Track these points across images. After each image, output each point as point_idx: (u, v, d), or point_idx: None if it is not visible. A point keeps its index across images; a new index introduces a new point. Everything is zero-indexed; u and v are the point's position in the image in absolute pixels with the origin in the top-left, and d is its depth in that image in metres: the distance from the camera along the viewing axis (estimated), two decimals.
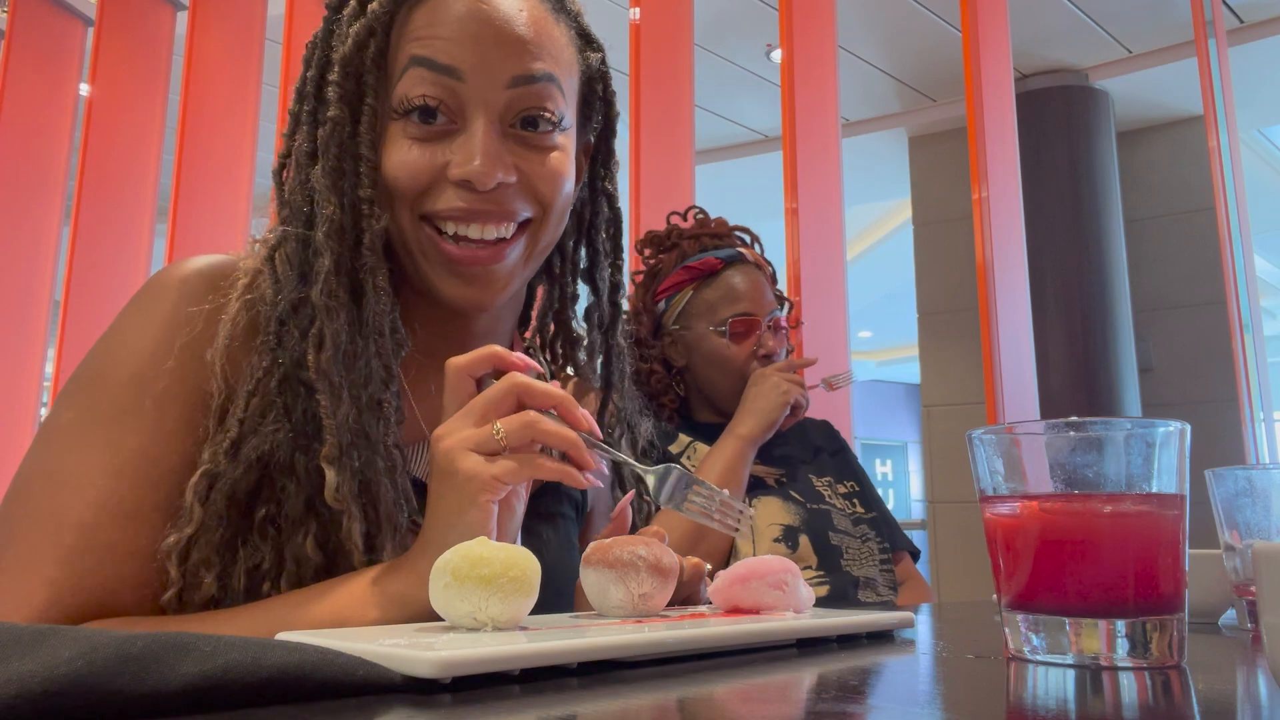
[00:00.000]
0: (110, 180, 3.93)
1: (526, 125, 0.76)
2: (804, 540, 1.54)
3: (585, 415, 0.68)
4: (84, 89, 4.05)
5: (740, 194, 5.87)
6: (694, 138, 3.28)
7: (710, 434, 1.66)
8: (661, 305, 1.70)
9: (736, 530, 0.75)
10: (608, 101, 0.87)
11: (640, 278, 1.76)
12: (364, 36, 0.74)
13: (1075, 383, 4.40)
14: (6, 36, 4.00)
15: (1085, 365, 4.44)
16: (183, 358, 0.72)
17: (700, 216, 1.77)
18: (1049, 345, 4.26)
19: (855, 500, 1.69)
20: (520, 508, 0.69)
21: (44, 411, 3.85)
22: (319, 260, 0.72)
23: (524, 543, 0.86)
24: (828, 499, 1.65)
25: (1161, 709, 0.46)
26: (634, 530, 0.86)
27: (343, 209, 0.73)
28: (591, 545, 0.68)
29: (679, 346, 1.68)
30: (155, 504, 0.69)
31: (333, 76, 0.74)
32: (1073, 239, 4.54)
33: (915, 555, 1.73)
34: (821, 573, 1.52)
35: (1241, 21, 4.30)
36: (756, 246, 1.73)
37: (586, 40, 0.83)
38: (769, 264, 1.73)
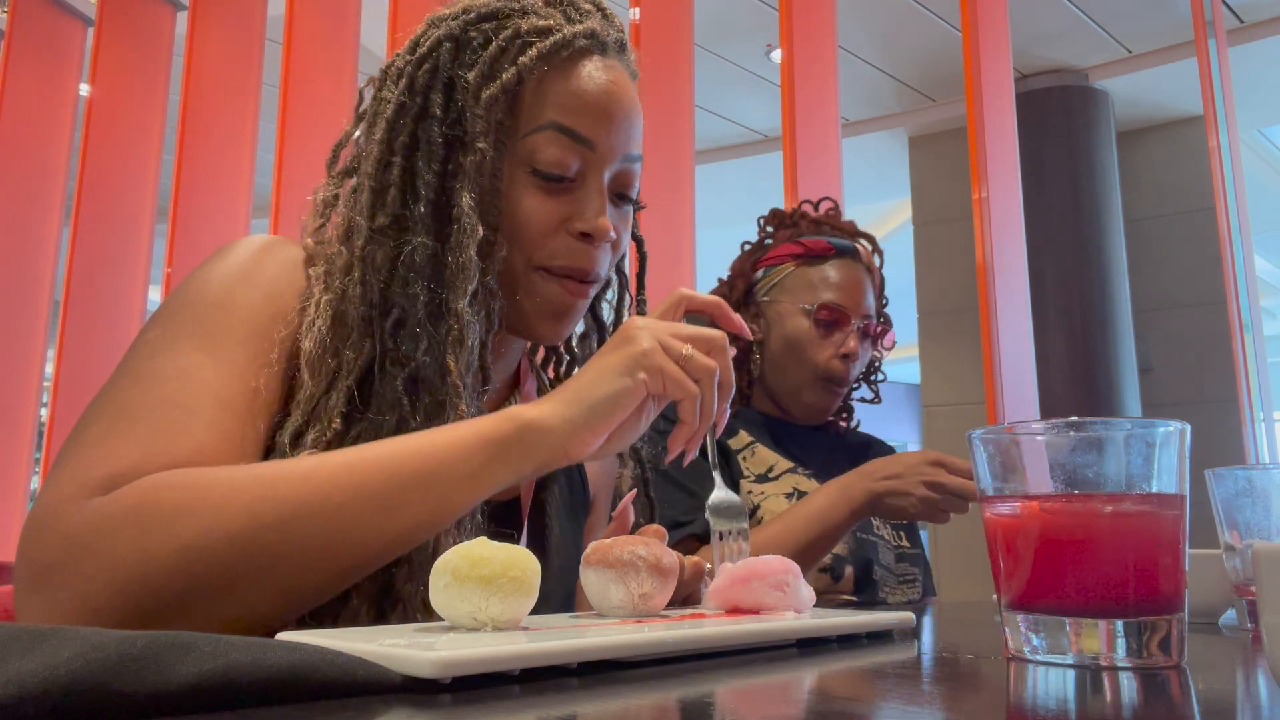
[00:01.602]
0: (110, 180, 3.93)
1: (621, 197, 0.88)
2: (848, 571, 1.47)
3: (720, 411, 0.78)
4: (84, 89, 4.05)
5: (740, 194, 5.87)
6: (694, 138, 3.28)
7: (766, 429, 1.59)
8: (759, 274, 1.62)
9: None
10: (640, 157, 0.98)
11: (748, 247, 1.69)
12: (512, 84, 0.80)
13: (1075, 383, 4.40)
14: (6, 36, 4.00)
15: (1085, 365, 4.44)
16: (275, 322, 0.74)
17: (832, 209, 1.69)
18: (1049, 345, 4.25)
19: (902, 534, 1.62)
20: (643, 427, 0.77)
21: (44, 412, 3.85)
22: (464, 275, 0.78)
23: (530, 527, 0.88)
24: (876, 529, 1.56)
25: (1161, 709, 0.46)
26: (634, 530, 0.87)
27: (488, 234, 0.80)
28: (591, 545, 0.68)
29: (762, 320, 1.60)
30: (252, 401, 0.70)
31: (478, 111, 0.80)
32: (1073, 239, 4.54)
33: None
34: (857, 597, 1.48)
35: (1241, 21, 4.30)
36: (877, 258, 1.66)
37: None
38: (880, 274, 1.65)
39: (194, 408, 0.67)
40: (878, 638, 0.70)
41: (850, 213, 1.98)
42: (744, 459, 1.53)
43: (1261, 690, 0.53)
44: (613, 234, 0.83)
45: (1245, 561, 0.82)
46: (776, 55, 4.23)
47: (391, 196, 0.80)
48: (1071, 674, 0.53)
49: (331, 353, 0.75)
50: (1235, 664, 0.65)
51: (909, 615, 0.72)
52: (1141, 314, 4.73)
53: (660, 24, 3.23)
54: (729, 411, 0.77)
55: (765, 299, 1.60)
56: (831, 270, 1.57)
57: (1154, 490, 0.57)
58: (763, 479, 1.51)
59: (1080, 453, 0.57)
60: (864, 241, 1.65)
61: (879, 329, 1.61)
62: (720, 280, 1.73)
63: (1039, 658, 0.56)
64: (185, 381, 0.68)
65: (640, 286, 1.00)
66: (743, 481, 1.49)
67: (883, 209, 6.50)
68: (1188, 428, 0.58)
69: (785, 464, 1.54)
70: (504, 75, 0.80)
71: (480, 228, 0.79)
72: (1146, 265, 4.83)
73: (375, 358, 0.76)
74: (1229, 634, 0.82)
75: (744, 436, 1.56)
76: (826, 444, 1.63)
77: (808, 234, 1.62)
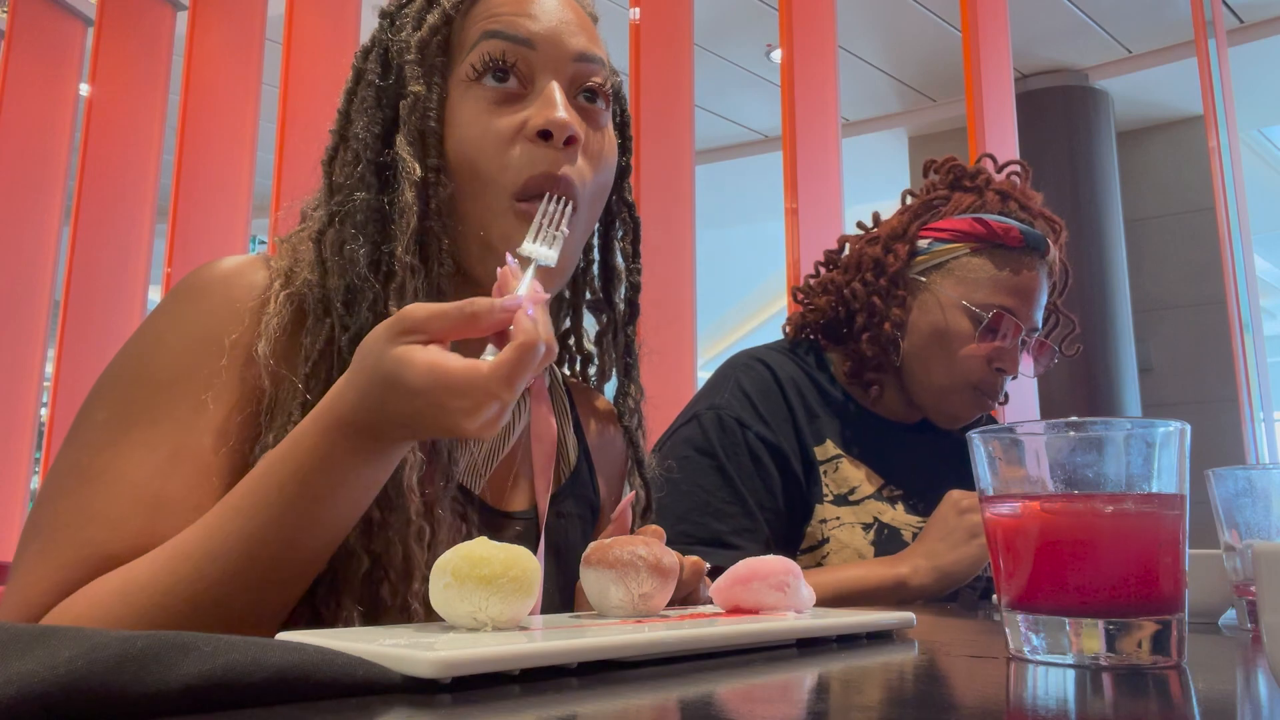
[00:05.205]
0: (110, 180, 3.93)
1: (586, 98, 0.82)
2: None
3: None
4: (84, 89, 4.05)
5: (740, 194, 5.86)
6: (694, 138, 3.28)
7: (862, 433, 1.36)
8: (923, 244, 1.37)
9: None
10: (625, 122, 0.94)
11: (913, 201, 1.43)
12: (439, 23, 0.80)
13: (1075, 383, 4.40)
14: (6, 36, 4.00)
15: (1085, 365, 4.44)
16: (233, 355, 0.73)
17: (1018, 176, 1.42)
18: None
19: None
20: None
21: (44, 412, 3.85)
22: (402, 220, 0.75)
23: (551, 543, 0.86)
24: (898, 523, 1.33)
25: (1161, 709, 0.46)
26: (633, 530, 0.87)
27: (424, 173, 0.77)
28: (591, 545, 0.68)
29: (908, 299, 1.35)
30: (187, 500, 0.69)
31: (410, 57, 0.79)
32: (1073, 239, 4.52)
33: None
34: None
35: (1241, 21, 4.30)
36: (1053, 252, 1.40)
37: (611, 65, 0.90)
38: (1062, 264, 1.42)
39: (124, 518, 0.67)
40: (878, 638, 0.70)
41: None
42: (825, 474, 1.32)
43: (1261, 690, 0.53)
44: (575, 128, 0.77)
45: (1245, 561, 0.82)
46: (776, 55, 4.23)
47: (346, 174, 0.79)
48: (1071, 674, 0.53)
49: (287, 350, 0.74)
50: (1235, 664, 0.65)
51: (909, 615, 0.72)
52: (1141, 314, 4.73)
53: (660, 24, 3.23)
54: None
55: (921, 277, 1.35)
56: (1014, 267, 1.32)
57: (1154, 490, 0.57)
58: (841, 501, 1.31)
59: (1080, 453, 0.57)
60: (1053, 228, 1.40)
61: (1040, 345, 1.37)
62: (860, 228, 1.49)
63: (1039, 658, 0.56)
64: (120, 486, 0.68)
65: (637, 254, 0.96)
66: (818, 506, 1.30)
67: (883, 209, 6.49)
68: (1188, 428, 0.58)
69: (871, 485, 1.33)
70: (430, 18, 0.80)
71: (417, 167, 0.76)
72: (1146, 265, 4.83)
73: (332, 338, 0.74)
74: (1229, 634, 0.82)
75: (830, 448, 1.34)
76: (930, 449, 1.40)
77: (991, 209, 1.36)
